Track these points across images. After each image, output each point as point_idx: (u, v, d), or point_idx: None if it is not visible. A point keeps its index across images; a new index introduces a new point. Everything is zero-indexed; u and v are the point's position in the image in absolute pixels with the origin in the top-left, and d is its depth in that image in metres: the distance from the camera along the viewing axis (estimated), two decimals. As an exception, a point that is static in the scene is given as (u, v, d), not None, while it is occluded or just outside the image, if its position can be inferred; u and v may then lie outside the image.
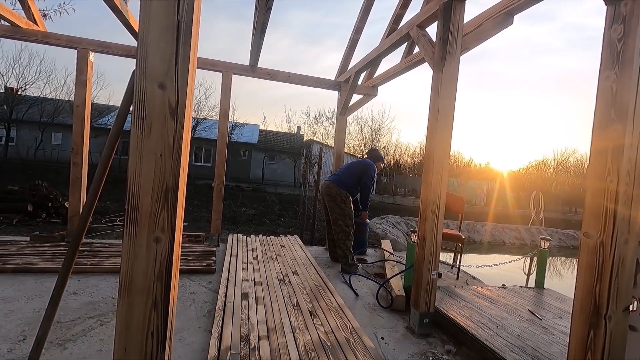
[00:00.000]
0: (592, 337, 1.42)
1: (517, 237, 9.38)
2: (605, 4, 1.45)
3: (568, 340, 1.53)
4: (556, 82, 54.14)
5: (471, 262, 4.49)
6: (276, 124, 44.97)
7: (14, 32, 3.90)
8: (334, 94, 5.30)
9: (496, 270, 4.71)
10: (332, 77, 5.22)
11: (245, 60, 4.66)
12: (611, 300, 1.38)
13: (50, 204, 6.61)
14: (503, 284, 3.80)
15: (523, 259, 4.64)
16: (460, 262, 4.13)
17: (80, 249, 2.92)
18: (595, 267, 1.42)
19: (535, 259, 4.00)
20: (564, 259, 8.58)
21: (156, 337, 1.06)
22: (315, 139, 23.19)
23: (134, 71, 1.05)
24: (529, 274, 4.24)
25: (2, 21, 3.88)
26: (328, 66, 51.79)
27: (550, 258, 4.34)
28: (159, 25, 1.02)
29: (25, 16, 3.95)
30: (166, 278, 1.06)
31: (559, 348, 2.29)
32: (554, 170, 31.72)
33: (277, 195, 14.10)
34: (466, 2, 2.54)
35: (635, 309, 1.40)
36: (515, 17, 2.60)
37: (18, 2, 3.97)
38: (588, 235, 1.45)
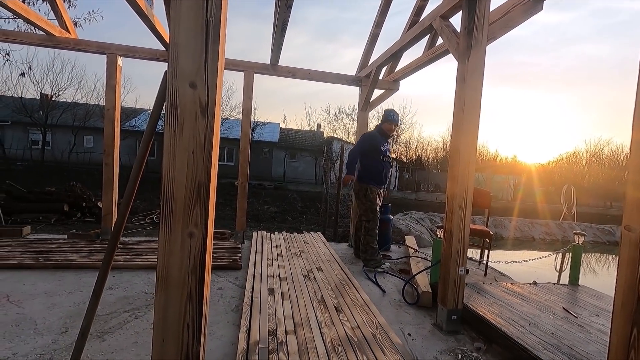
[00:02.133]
0: (636, 335, 1.35)
1: (548, 233, 9.01)
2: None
3: (608, 339, 1.46)
4: (586, 71, 51.49)
5: (499, 258, 4.36)
6: (296, 121, 45.18)
7: (49, 41, 4.10)
8: (353, 91, 5.27)
9: (526, 266, 4.56)
10: (351, 74, 5.18)
11: (265, 59, 4.70)
12: (656, 296, 1.31)
13: (84, 204, 6.95)
14: (534, 281, 3.68)
15: (555, 255, 4.46)
16: (487, 258, 4.02)
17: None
18: (638, 262, 1.34)
19: (568, 255, 3.84)
20: (599, 255, 8.18)
21: (192, 329, 1.09)
22: (335, 135, 23.12)
23: (166, 72, 1.08)
24: (561, 271, 4.08)
25: (38, 30, 4.10)
26: (345, 63, 51.49)
27: (583, 254, 4.15)
28: (188, 25, 1.04)
29: (58, 25, 4.15)
30: (200, 272, 1.09)
31: (597, 347, 2.20)
32: (587, 163, 30.25)
33: (298, 193, 14.19)
34: (492, -11, 2.46)
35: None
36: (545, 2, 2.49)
37: (52, 12, 4.18)
38: (630, 228, 1.38)
